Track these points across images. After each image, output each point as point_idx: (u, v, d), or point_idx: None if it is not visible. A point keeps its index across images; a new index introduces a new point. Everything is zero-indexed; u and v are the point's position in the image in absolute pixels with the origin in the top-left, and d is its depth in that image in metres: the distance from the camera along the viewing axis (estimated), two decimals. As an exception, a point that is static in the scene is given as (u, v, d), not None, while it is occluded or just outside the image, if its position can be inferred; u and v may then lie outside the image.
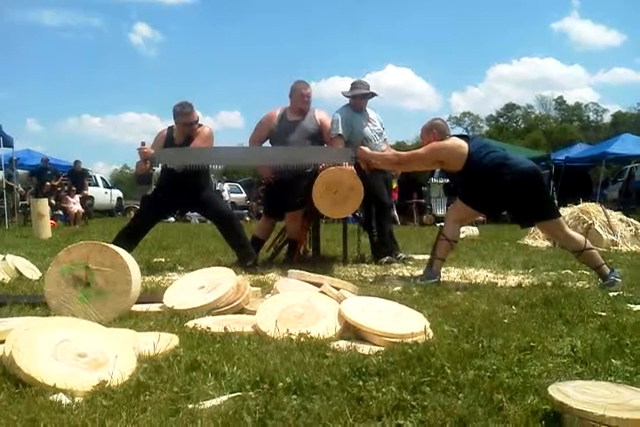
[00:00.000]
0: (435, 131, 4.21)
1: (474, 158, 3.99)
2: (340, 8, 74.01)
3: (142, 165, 4.84)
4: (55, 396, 1.71)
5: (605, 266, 3.94)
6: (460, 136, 4.25)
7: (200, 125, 4.98)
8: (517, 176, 3.92)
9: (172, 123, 4.99)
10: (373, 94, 5.59)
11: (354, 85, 5.57)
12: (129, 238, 4.72)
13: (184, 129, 4.89)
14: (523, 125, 51.96)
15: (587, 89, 68.01)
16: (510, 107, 54.53)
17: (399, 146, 37.94)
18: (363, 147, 4.67)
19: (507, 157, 4.09)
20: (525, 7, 69.03)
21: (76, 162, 15.81)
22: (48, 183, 14.12)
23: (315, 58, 75.42)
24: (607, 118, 48.12)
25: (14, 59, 69.95)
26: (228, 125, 68.32)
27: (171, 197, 4.91)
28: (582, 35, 68.38)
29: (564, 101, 51.96)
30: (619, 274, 3.94)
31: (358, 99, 5.49)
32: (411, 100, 72.24)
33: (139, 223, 4.97)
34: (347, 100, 5.53)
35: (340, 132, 5.25)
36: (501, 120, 54.48)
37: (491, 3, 68.08)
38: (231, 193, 21.63)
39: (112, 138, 78.84)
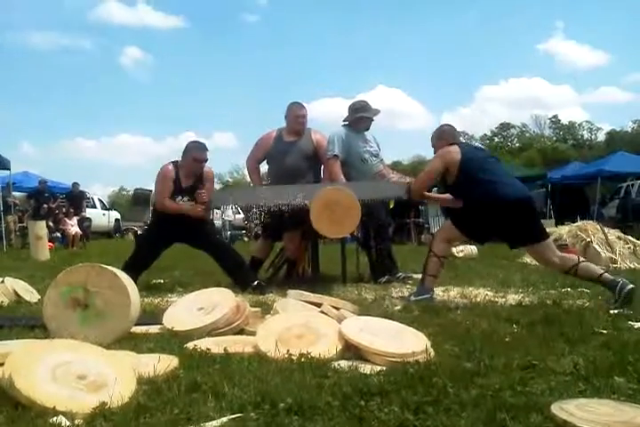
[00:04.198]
0: (445, 137, 4.25)
1: (463, 173, 3.98)
2: (330, 30, 74.83)
3: (199, 209, 4.85)
4: (55, 418, 1.70)
5: (606, 274, 3.89)
6: (463, 145, 4.26)
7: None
8: (505, 206, 3.89)
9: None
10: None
11: (358, 108, 5.52)
12: (133, 270, 4.75)
13: (194, 165, 4.85)
14: (517, 144, 52.21)
15: (576, 108, 68.65)
16: (505, 126, 54.85)
17: (395, 166, 38.11)
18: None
19: (494, 184, 3.97)
20: (509, 30, 70.09)
21: (75, 184, 15.82)
22: (45, 205, 14.12)
23: (306, 79, 76.04)
24: (601, 137, 48.45)
25: (5, 81, 70.31)
26: (221, 147, 68.52)
27: (170, 231, 4.92)
28: (568, 55, 69.30)
29: (559, 120, 52.30)
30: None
31: (367, 120, 5.51)
32: (402, 121, 72.78)
33: (140, 259, 4.99)
34: (342, 121, 5.57)
35: (337, 152, 5.27)
36: (496, 139, 54.77)
37: (475, 26, 69.03)
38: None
39: (107, 160, 79.04)
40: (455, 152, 4.04)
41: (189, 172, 4.88)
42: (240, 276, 4.81)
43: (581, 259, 3.99)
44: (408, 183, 4.66)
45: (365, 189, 4.91)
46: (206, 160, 4.96)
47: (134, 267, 4.80)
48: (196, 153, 4.86)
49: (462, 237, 4.28)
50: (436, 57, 74.44)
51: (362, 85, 75.30)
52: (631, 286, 3.69)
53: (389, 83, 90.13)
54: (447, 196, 4.37)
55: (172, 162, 4.95)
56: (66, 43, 74.44)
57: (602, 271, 3.91)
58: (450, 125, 4.50)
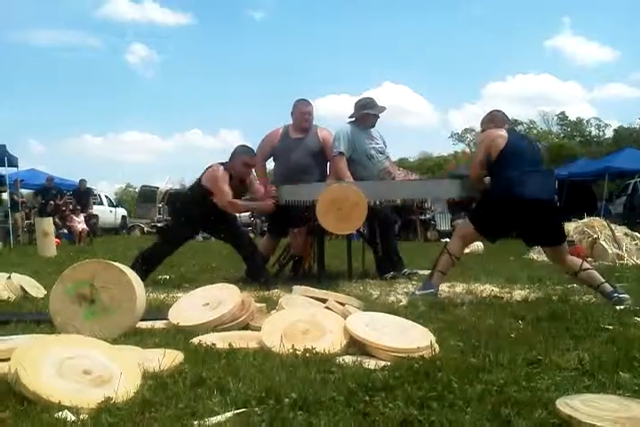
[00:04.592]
0: (495, 121, 4.19)
1: (501, 159, 3.91)
2: (337, 27, 74.63)
3: (269, 203, 5.03)
4: (60, 413, 1.70)
5: (606, 284, 3.88)
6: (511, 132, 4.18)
7: None
8: (521, 204, 3.84)
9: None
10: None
11: (365, 105, 5.51)
12: (152, 263, 4.90)
13: (243, 169, 4.93)
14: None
15: (584, 104, 68.30)
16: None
17: (401, 162, 38.06)
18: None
19: (518, 180, 3.88)
20: (516, 26, 69.69)
21: (82, 181, 15.86)
22: (52, 202, 14.16)
23: (312, 76, 75.78)
24: (609, 133, 48.21)
25: (13, 80, 70.41)
26: (228, 144, 68.62)
27: (197, 223, 5.05)
28: (576, 51, 68.87)
29: (567, 117, 52.05)
30: (623, 289, 3.91)
31: (373, 117, 5.51)
32: (409, 117, 72.44)
33: (162, 252, 5.06)
34: (347, 119, 5.56)
35: (342, 149, 5.26)
36: (504, 136, 54.56)
37: (482, 22, 68.72)
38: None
39: (114, 157, 79.04)
40: (502, 138, 3.95)
41: (237, 174, 4.94)
42: (254, 266, 4.91)
43: (584, 266, 3.98)
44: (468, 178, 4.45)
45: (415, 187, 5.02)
46: (255, 165, 5.12)
47: (154, 259, 4.97)
48: (246, 158, 4.95)
49: (478, 236, 4.24)
50: (442, 53, 74.06)
51: (368, 82, 75.21)
52: (627, 302, 3.68)
53: (396, 79, 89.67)
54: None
55: (221, 164, 5.01)
56: (72, 40, 74.77)
57: (602, 281, 3.90)
58: (500, 111, 4.39)
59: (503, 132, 4.01)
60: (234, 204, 4.94)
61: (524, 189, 3.87)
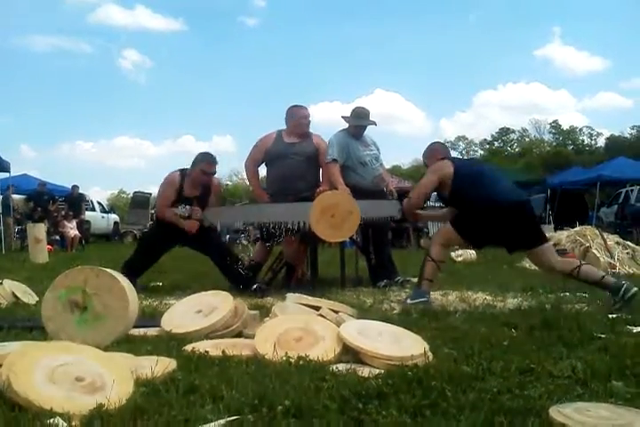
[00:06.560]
0: (435, 155, 4.34)
1: (457, 184, 4.04)
2: (329, 34, 74.97)
3: (193, 224, 4.89)
4: (52, 420, 1.69)
5: (608, 276, 3.90)
6: (454, 159, 4.32)
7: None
8: (499, 210, 3.94)
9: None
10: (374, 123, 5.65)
11: (358, 114, 5.54)
12: (133, 272, 4.79)
13: (202, 177, 4.88)
14: (517, 149, 52.25)
15: (575, 113, 68.88)
16: (505, 131, 54.90)
17: (395, 170, 38.13)
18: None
19: (488, 189, 4.03)
20: (507, 35, 70.42)
21: (74, 187, 15.81)
22: (39, 208, 14.05)
23: (304, 83, 76.07)
24: (601, 142, 48.47)
25: (5, 84, 70.21)
26: (220, 150, 68.66)
27: (172, 234, 4.97)
28: (566, 61, 69.48)
29: (560, 125, 52.33)
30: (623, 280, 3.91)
31: (361, 129, 5.53)
32: (401, 125, 72.82)
33: (140, 260, 5.03)
34: (341, 125, 5.58)
35: (335, 157, 5.27)
36: (496, 144, 54.81)
37: (473, 31, 69.24)
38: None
39: (106, 163, 78.92)
40: (447, 165, 4.14)
41: (196, 182, 4.90)
42: (238, 279, 4.84)
43: (583, 262, 4.01)
44: (405, 199, 4.54)
45: (368, 207, 4.96)
46: (214, 173, 5.02)
47: (134, 268, 4.85)
48: (204, 165, 4.89)
49: (460, 240, 4.28)
50: (434, 61, 74.70)
51: (360, 89, 75.69)
52: (635, 288, 3.70)
53: (388, 87, 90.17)
54: (438, 213, 4.42)
55: (180, 170, 4.97)
56: (65, 45, 74.67)
57: (603, 274, 3.94)
58: (440, 143, 4.60)
59: (447, 161, 4.19)
60: (162, 212, 4.97)
61: (498, 194, 4.02)
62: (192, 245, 5.10)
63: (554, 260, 4.02)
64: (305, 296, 3.37)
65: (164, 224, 5.00)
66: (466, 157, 43.36)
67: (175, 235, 4.97)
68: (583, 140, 51.88)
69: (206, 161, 4.92)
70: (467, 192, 4.05)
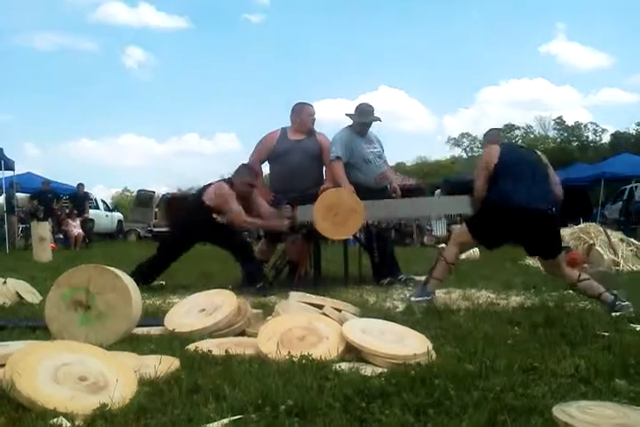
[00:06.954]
0: (489, 140, 4.44)
1: (495, 172, 4.00)
2: (333, 31, 74.67)
3: (285, 223, 5.02)
4: (56, 420, 1.70)
5: (606, 293, 3.85)
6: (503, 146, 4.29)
7: None
8: (515, 214, 3.87)
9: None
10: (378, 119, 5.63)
11: (363, 111, 5.50)
12: (153, 273, 5.01)
13: (247, 189, 5.01)
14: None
15: (580, 109, 68.53)
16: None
17: (399, 167, 38.10)
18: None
19: (512, 190, 3.91)
20: (511, 31, 69.91)
21: (79, 185, 15.78)
22: (42, 207, 14.05)
23: (308, 80, 75.79)
24: (606, 138, 48.29)
25: (9, 83, 70.25)
26: (224, 147, 68.64)
27: (198, 234, 5.08)
28: (570, 57, 69.23)
29: (564, 122, 52.13)
30: (624, 295, 3.88)
31: (366, 126, 5.52)
32: (405, 122, 72.60)
33: (163, 262, 5.14)
34: (345, 122, 5.56)
35: (339, 154, 5.26)
36: (500, 141, 54.62)
37: (477, 27, 68.95)
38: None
39: (111, 161, 78.90)
40: (495, 151, 4.07)
41: (240, 193, 4.99)
42: (250, 272, 4.91)
43: (582, 277, 3.97)
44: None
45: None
46: (256, 186, 5.18)
47: (155, 270, 5.07)
48: (249, 179, 5.05)
49: (475, 243, 4.26)
50: (438, 58, 74.23)
51: (364, 86, 75.31)
52: (629, 310, 3.64)
53: (392, 84, 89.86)
54: None
55: (226, 181, 5.07)
56: (68, 43, 74.49)
57: (602, 290, 3.87)
58: (496, 129, 4.66)
59: (496, 146, 4.16)
60: (252, 223, 5.10)
61: (520, 198, 3.88)
62: (216, 242, 5.22)
63: (561, 271, 4.03)
64: (308, 295, 3.38)
65: (195, 227, 5.04)
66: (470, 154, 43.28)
67: (201, 236, 5.12)
68: (588, 137, 51.68)
69: (249, 174, 5.09)
70: (491, 187, 3.99)
